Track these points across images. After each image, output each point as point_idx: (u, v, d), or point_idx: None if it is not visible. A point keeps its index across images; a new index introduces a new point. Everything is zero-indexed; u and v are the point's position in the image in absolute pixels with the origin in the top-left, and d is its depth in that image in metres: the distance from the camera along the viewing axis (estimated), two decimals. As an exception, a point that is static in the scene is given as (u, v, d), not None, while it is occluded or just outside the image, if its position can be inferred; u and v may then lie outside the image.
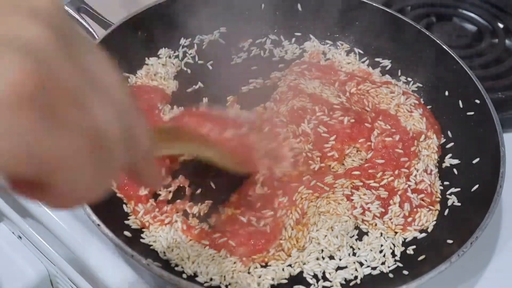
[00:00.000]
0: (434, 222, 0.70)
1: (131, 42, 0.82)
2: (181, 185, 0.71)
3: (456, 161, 0.77)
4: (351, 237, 0.68)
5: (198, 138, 0.63)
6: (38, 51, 0.25)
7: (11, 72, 0.23)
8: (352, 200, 0.70)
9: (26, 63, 0.24)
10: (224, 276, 0.62)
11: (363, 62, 0.91)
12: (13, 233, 0.83)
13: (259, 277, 0.63)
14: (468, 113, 0.78)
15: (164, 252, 0.64)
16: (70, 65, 0.26)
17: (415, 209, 0.70)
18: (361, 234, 0.69)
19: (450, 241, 0.65)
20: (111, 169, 0.29)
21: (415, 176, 0.74)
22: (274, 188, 0.70)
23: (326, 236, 0.67)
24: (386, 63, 0.90)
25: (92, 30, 0.81)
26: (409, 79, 0.88)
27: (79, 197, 0.28)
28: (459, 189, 0.73)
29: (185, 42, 0.89)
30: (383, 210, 0.70)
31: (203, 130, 0.70)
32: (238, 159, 0.69)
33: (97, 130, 0.27)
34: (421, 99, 0.85)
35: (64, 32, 0.27)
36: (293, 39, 0.93)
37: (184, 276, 0.62)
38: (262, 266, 0.64)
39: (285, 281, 0.64)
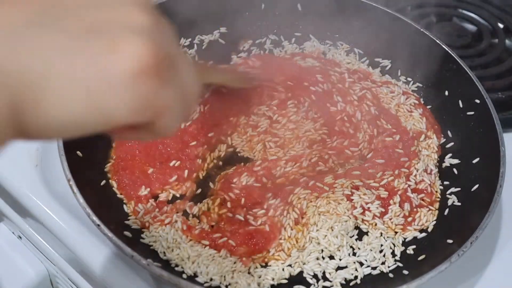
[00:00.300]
0: (434, 222, 0.70)
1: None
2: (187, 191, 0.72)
3: (456, 161, 0.77)
4: (351, 237, 0.68)
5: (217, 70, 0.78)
6: (150, 33, 0.33)
7: (138, 49, 0.32)
8: (352, 200, 0.70)
9: (146, 42, 0.32)
10: (224, 276, 0.62)
11: (363, 62, 0.91)
12: (13, 233, 0.83)
13: (259, 277, 0.63)
14: (468, 113, 0.78)
15: (164, 252, 0.64)
16: (167, 40, 0.36)
17: (415, 209, 0.71)
18: (361, 234, 0.69)
19: (450, 241, 0.65)
20: (190, 110, 0.41)
21: (415, 176, 0.74)
22: (263, 187, 0.70)
23: (326, 236, 0.67)
24: (386, 63, 0.90)
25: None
26: (409, 79, 0.88)
27: (167, 131, 0.37)
28: (459, 189, 0.73)
29: (185, 42, 0.89)
30: (383, 210, 0.70)
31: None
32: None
33: (185, 85, 0.37)
34: (421, 99, 0.85)
35: (157, 18, 0.36)
36: (293, 39, 0.93)
37: (184, 276, 0.62)
38: (262, 266, 0.64)
39: (285, 281, 0.64)
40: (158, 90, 0.34)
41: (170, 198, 0.70)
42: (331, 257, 0.66)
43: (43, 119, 0.31)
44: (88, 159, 0.68)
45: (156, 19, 0.35)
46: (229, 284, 0.62)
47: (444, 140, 0.80)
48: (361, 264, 0.66)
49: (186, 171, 0.71)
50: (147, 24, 0.34)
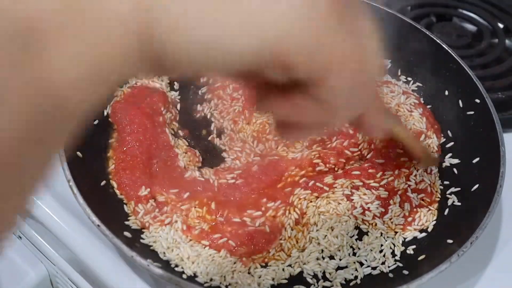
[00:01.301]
0: (434, 222, 0.70)
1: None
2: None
3: (456, 161, 0.77)
4: (351, 237, 0.68)
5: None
6: None
7: None
8: (352, 200, 0.70)
9: None
10: (224, 276, 0.62)
11: (363, 62, 0.91)
12: (13, 233, 0.83)
13: (259, 277, 0.63)
14: (468, 113, 0.78)
15: (164, 253, 0.64)
16: None
17: (415, 209, 0.71)
18: (361, 234, 0.69)
19: (450, 241, 0.65)
20: (359, 97, 0.34)
21: (415, 176, 0.73)
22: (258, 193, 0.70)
23: (326, 236, 0.67)
24: (386, 62, 0.90)
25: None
26: (409, 78, 0.88)
27: (336, 105, 0.32)
28: (459, 188, 0.73)
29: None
30: (383, 210, 0.70)
31: None
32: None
33: (360, 49, 0.32)
34: (421, 99, 0.85)
35: None
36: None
37: (184, 276, 0.62)
38: (262, 266, 0.64)
39: (285, 281, 0.64)
40: (332, 29, 0.28)
41: (169, 201, 0.69)
42: (331, 257, 0.66)
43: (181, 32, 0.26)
44: (88, 159, 0.68)
45: None
46: (229, 284, 0.62)
47: (444, 140, 0.80)
48: (361, 264, 0.66)
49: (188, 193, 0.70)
50: None
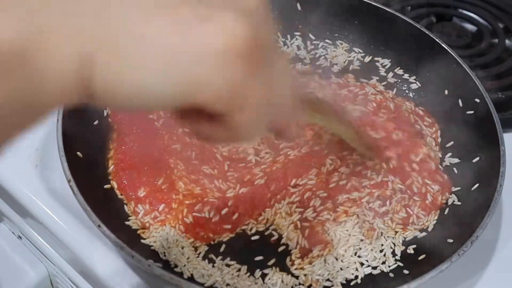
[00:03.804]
0: (435, 221, 0.70)
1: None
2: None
3: (456, 160, 0.77)
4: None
5: (335, 114, 0.68)
6: (252, 16, 0.30)
7: (234, 26, 0.29)
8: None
9: (246, 23, 0.29)
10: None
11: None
12: (13, 233, 0.83)
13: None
14: (468, 112, 0.78)
15: (164, 253, 0.64)
16: (267, 30, 0.33)
17: (415, 209, 0.70)
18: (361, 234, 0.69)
19: (450, 240, 0.65)
20: (269, 120, 0.36)
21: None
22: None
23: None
24: (386, 62, 0.90)
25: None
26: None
27: (245, 133, 0.33)
28: (459, 188, 0.73)
29: (185, 42, 0.89)
30: (383, 209, 0.70)
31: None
32: (367, 141, 0.73)
33: (276, 86, 0.34)
34: (421, 98, 0.85)
35: (265, 4, 0.33)
36: (293, 39, 0.93)
37: (185, 276, 0.62)
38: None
39: (286, 281, 0.64)
40: (247, 76, 0.30)
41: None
42: (332, 257, 0.66)
43: (110, 84, 0.28)
44: (88, 159, 0.68)
45: (263, 5, 0.32)
46: (229, 284, 0.62)
47: (444, 139, 0.80)
48: (362, 263, 0.66)
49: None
50: (252, 6, 0.31)
